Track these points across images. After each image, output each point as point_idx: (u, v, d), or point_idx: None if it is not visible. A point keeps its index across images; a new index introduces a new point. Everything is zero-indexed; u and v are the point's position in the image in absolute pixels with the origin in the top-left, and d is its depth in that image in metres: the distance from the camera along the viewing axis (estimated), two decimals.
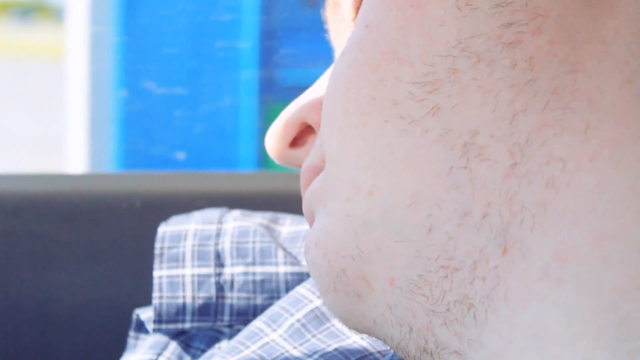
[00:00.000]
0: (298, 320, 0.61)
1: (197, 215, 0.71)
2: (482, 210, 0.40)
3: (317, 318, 0.60)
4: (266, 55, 2.17)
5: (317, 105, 0.51)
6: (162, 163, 1.99)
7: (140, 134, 2.04)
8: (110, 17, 2.09)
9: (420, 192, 0.41)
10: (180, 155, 1.96)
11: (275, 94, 2.14)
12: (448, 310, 0.41)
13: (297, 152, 0.53)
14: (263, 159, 2.13)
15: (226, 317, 0.66)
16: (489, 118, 0.40)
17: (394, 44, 0.43)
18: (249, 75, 2.11)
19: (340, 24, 0.54)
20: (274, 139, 0.53)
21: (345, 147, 0.44)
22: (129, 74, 2.02)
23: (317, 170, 0.48)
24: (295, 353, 0.59)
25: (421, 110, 0.42)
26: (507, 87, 0.40)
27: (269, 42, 2.15)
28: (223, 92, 2.09)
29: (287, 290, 0.66)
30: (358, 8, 0.50)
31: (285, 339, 0.60)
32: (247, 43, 2.09)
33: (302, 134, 0.53)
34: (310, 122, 0.52)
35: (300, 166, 0.52)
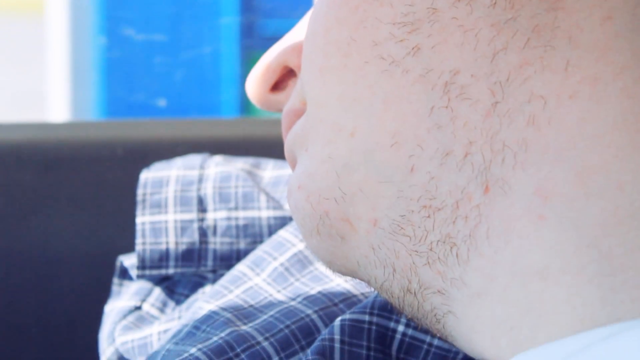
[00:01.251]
0: (281, 264, 0.61)
1: (179, 162, 0.71)
2: (463, 150, 0.40)
3: (301, 262, 0.61)
4: (247, 2, 2.15)
5: (298, 48, 0.51)
6: (143, 110, 1.99)
7: (121, 82, 2.03)
8: None
9: (402, 132, 0.41)
10: (162, 102, 1.95)
11: (256, 40, 2.13)
12: (431, 250, 0.41)
13: (278, 96, 0.53)
14: (245, 106, 2.12)
15: (209, 262, 0.66)
16: (469, 57, 0.40)
17: None
18: (229, 21, 2.10)
19: None
20: (255, 83, 0.52)
21: (326, 89, 0.44)
22: (108, 21, 2.01)
23: (298, 114, 0.48)
24: (279, 297, 0.59)
25: (401, 51, 0.41)
26: (487, 25, 0.40)
27: None
28: (204, 39, 2.08)
29: (270, 234, 0.66)
30: None
31: (268, 283, 0.60)
32: None
33: (283, 78, 0.53)
34: (292, 65, 0.52)
35: (281, 110, 0.52)
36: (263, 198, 0.67)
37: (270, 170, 0.71)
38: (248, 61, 2.16)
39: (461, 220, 0.40)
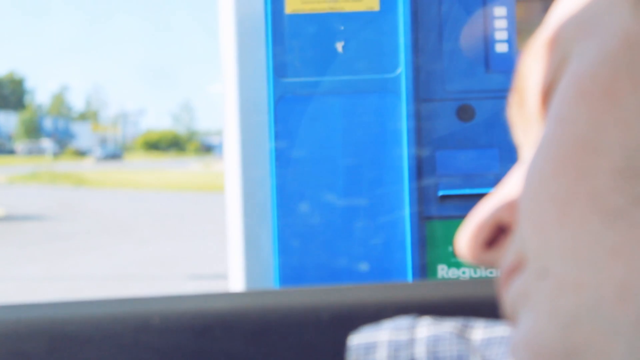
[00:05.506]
0: None
1: (388, 324, 0.71)
2: None
3: None
4: (428, 165, 2.17)
5: (511, 204, 0.51)
6: (343, 275, 2.00)
7: (321, 247, 2.05)
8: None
9: (630, 284, 0.40)
10: (363, 267, 1.97)
11: (433, 204, 2.13)
12: None
13: (492, 253, 0.53)
14: (421, 269, 2.11)
15: None
16: None
17: (589, 137, 0.42)
18: (411, 187, 2.11)
19: (526, 121, 0.53)
20: (469, 240, 0.52)
21: (547, 243, 0.43)
22: (307, 187, 2.04)
23: (516, 270, 0.48)
24: None
25: (623, 201, 0.41)
26: None
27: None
28: (395, 203, 2.10)
29: None
30: (545, 105, 0.49)
31: None
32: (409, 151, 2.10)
33: (494, 235, 0.53)
34: (505, 222, 0.52)
35: (495, 267, 0.51)
36: (477, 359, 0.66)
37: (481, 330, 0.70)
38: (429, 227, 2.15)
39: None
